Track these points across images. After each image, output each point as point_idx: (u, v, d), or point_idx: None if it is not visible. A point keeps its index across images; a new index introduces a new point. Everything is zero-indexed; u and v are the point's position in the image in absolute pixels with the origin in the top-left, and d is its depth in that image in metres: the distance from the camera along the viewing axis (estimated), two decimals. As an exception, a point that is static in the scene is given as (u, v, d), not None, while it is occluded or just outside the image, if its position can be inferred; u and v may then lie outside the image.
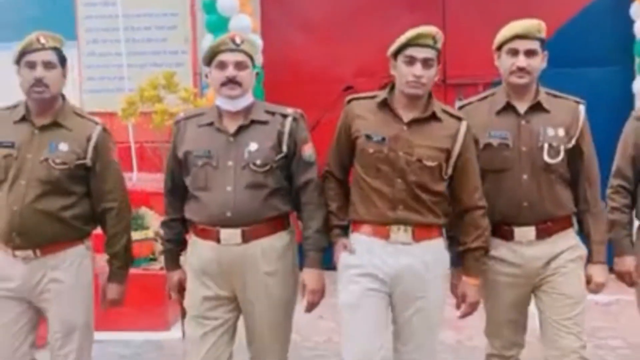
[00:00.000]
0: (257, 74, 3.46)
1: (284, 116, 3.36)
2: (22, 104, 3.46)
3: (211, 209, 3.26)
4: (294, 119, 3.36)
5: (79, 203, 3.44)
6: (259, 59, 6.71)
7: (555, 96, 3.46)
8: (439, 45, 3.25)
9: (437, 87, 7.18)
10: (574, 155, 3.40)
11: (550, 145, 3.34)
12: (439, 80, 7.20)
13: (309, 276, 3.33)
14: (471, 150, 3.27)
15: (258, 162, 3.26)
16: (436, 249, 3.27)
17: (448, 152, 3.22)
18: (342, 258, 3.30)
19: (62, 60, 3.46)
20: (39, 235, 3.33)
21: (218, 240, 3.27)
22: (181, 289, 3.45)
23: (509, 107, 3.40)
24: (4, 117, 3.46)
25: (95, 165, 3.43)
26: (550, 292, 3.36)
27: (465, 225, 3.28)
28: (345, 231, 3.35)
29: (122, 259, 3.54)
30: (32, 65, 3.36)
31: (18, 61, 3.40)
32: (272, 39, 7.01)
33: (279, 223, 3.34)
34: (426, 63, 3.20)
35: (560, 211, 3.38)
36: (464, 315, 3.37)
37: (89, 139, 3.42)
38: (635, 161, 3.59)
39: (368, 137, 3.24)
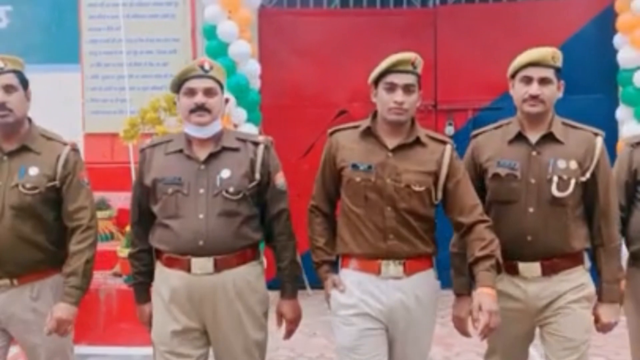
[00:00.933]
0: (227, 100, 3.34)
1: (255, 144, 3.24)
2: None
3: (183, 237, 3.11)
4: (266, 147, 3.25)
5: (54, 227, 3.31)
6: (257, 83, 6.77)
7: (572, 127, 3.28)
8: (419, 70, 3.14)
9: (428, 112, 7.35)
10: (590, 188, 3.21)
11: (560, 178, 3.16)
12: (430, 106, 7.42)
13: (287, 307, 3.28)
14: (461, 171, 3.15)
15: (231, 189, 3.13)
16: (427, 281, 3.17)
17: (435, 175, 3.12)
18: (334, 296, 3.19)
19: (24, 83, 3.29)
20: (17, 263, 3.21)
21: (188, 270, 3.11)
22: (152, 320, 3.30)
23: (520, 137, 3.24)
24: None
25: (64, 185, 3.29)
26: (552, 333, 3.21)
27: (470, 241, 3.09)
28: (334, 266, 3.25)
29: (79, 279, 3.26)
30: None
31: None
32: (270, 64, 7.09)
33: (251, 252, 3.22)
34: (407, 89, 3.09)
35: (569, 247, 3.19)
36: (485, 331, 2.91)
37: (57, 159, 3.29)
38: (628, 188, 3.47)
39: (354, 166, 3.13)
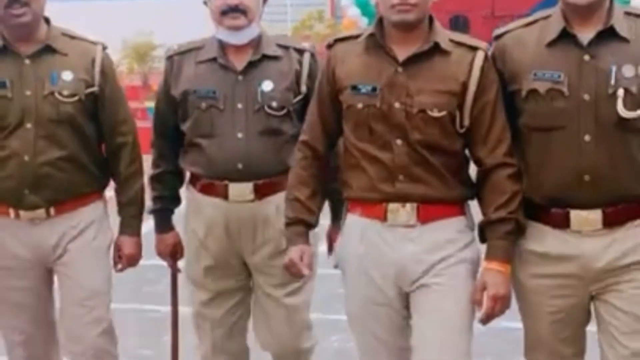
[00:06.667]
0: None
1: (300, 52, 2.59)
2: None
3: (219, 159, 2.51)
4: (312, 56, 2.59)
5: (95, 144, 2.61)
6: None
7: (638, 16, 2.10)
8: None
9: (485, 19, 6.85)
10: None
11: (627, 91, 2.01)
12: (488, 13, 6.50)
13: (337, 232, 2.44)
14: (493, 90, 2.13)
15: (274, 104, 2.50)
16: (451, 229, 2.18)
17: (461, 95, 2.13)
18: (338, 248, 2.34)
19: None
20: (57, 187, 2.50)
21: (226, 197, 2.53)
22: (175, 252, 2.75)
23: (566, 36, 2.06)
24: None
25: (105, 92, 2.56)
26: (615, 307, 2.10)
27: (487, 191, 2.15)
28: (310, 229, 2.32)
29: (137, 207, 2.66)
30: None
31: None
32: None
33: None
34: None
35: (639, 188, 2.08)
36: (488, 317, 2.12)
37: (93, 63, 2.54)
38: None
39: (354, 88, 2.17)
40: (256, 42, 2.55)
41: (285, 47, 2.59)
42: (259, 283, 2.62)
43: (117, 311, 2.74)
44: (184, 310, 2.77)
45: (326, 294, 3.16)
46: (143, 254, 2.70)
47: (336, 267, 2.45)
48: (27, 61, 2.48)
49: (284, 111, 2.53)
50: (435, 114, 2.12)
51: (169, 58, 2.64)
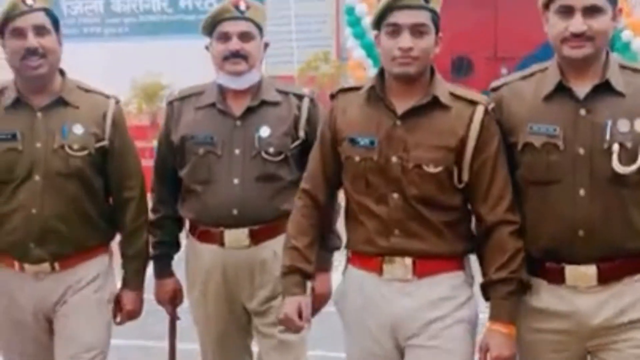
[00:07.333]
0: (267, 45, 2.62)
1: (299, 97, 2.60)
2: (10, 85, 2.50)
3: (214, 206, 2.51)
4: (311, 101, 2.60)
5: (103, 197, 2.59)
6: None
7: (634, 70, 2.09)
8: (434, 5, 2.10)
9: (488, 60, 6.95)
10: None
11: (622, 146, 1.99)
12: (491, 54, 6.58)
13: (321, 281, 2.48)
14: (493, 146, 2.09)
15: (271, 150, 2.50)
16: (449, 285, 2.14)
17: (459, 151, 2.10)
18: (336, 297, 2.33)
19: (56, 24, 2.46)
20: (63, 241, 2.45)
21: (222, 244, 2.52)
22: (174, 298, 2.72)
23: (562, 90, 2.05)
24: None
25: (114, 145, 2.53)
26: None
27: (488, 250, 2.12)
28: (307, 280, 2.27)
29: (142, 261, 2.63)
30: (20, 32, 2.38)
31: (1, 31, 2.42)
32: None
33: None
34: (417, 30, 2.06)
35: (636, 244, 2.05)
36: None
37: (104, 116, 2.51)
38: None
39: (353, 140, 2.16)
40: (256, 88, 2.56)
41: (285, 93, 2.59)
42: (256, 325, 2.63)
43: (122, 348, 2.81)
44: (194, 347, 2.79)
45: (329, 331, 3.12)
46: (145, 292, 2.70)
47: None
48: (39, 114, 2.46)
49: (282, 157, 2.52)
50: (431, 169, 2.10)
51: (170, 103, 2.65)
